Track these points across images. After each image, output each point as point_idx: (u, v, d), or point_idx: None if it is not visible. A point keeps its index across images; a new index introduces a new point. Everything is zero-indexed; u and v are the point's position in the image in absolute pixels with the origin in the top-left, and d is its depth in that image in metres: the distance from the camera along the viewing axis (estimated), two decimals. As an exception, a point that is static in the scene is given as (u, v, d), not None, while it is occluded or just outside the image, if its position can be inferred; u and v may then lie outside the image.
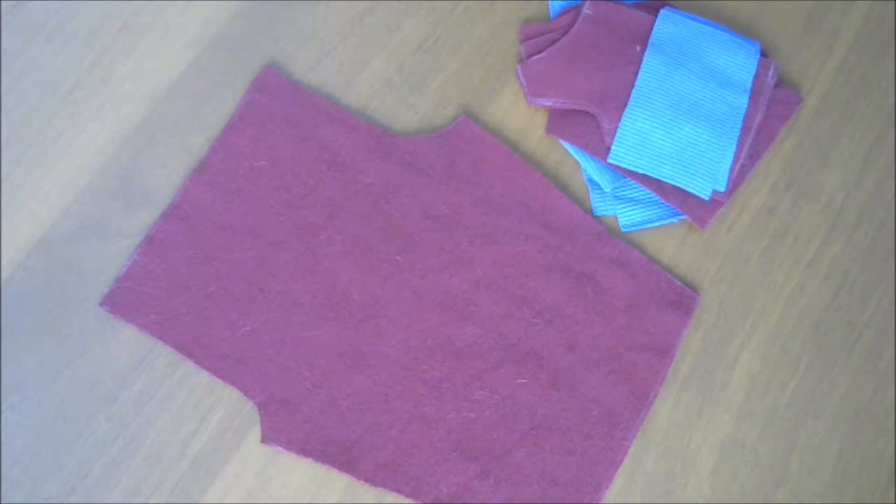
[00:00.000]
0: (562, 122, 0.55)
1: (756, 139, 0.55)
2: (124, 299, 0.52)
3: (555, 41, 0.57)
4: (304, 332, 0.51)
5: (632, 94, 0.54)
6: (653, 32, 0.56)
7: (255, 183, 0.54)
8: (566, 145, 0.56)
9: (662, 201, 0.54)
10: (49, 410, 0.51)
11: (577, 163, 0.56)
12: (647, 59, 0.55)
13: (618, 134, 0.54)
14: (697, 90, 0.54)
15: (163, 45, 0.57)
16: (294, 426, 0.50)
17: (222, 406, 0.51)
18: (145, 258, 0.52)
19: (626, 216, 0.55)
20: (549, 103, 0.55)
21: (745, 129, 0.54)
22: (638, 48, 0.56)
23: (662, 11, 0.56)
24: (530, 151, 0.56)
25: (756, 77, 0.55)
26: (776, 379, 0.53)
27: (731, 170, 0.54)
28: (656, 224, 0.55)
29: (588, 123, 0.55)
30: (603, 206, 0.55)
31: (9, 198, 0.54)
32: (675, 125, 0.54)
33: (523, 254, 0.53)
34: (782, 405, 0.52)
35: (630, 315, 0.52)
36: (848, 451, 0.52)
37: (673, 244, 0.55)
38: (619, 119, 0.54)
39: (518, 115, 0.57)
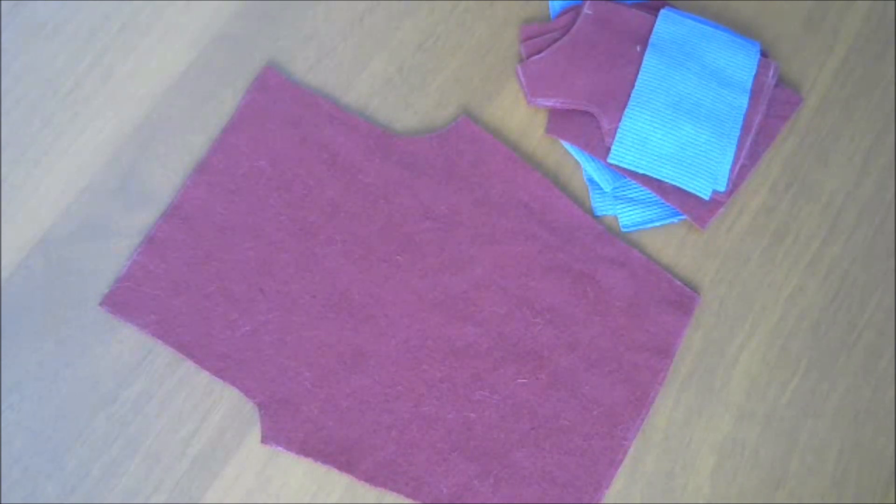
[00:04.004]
0: (562, 122, 0.55)
1: (756, 139, 0.55)
2: (124, 299, 0.52)
3: (555, 41, 0.57)
4: (304, 332, 0.51)
5: (632, 94, 0.54)
6: (653, 32, 0.56)
7: (255, 183, 0.54)
8: (566, 145, 0.56)
9: (662, 201, 0.54)
10: (49, 410, 0.51)
11: (577, 163, 0.56)
12: (648, 59, 0.55)
13: (618, 134, 0.54)
14: (697, 90, 0.54)
15: (163, 45, 0.57)
16: (294, 426, 0.50)
17: (222, 406, 0.51)
18: (145, 258, 0.52)
19: (626, 216, 0.55)
20: (549, 103, 0.55)
21: (745, 128, 0.54)
22: (638, 48, 0.56)
23: (662, 11, 0.56)
24: (530, 151, 0.56)
25: (756, 77, 0.55)
26: (776, 379, 0.53)
27: (732, 170, 0.54)
28: (656, 224, 0.55)
29: (588, 123, 0.55)
30: (603, 206, 0.55)
31: (9, 198, 0.54)
32: (675, 125, 0.54)
33: (523, 254, 0.53)
34: (782, 405, 0.52)
35: (630, 315, 0.52)
36: (848, 451, 0.52)
37: (673, 244, 0.55)
38: (619, 119, 0.54)
39: (518, 115, 0.57)
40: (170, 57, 0.57)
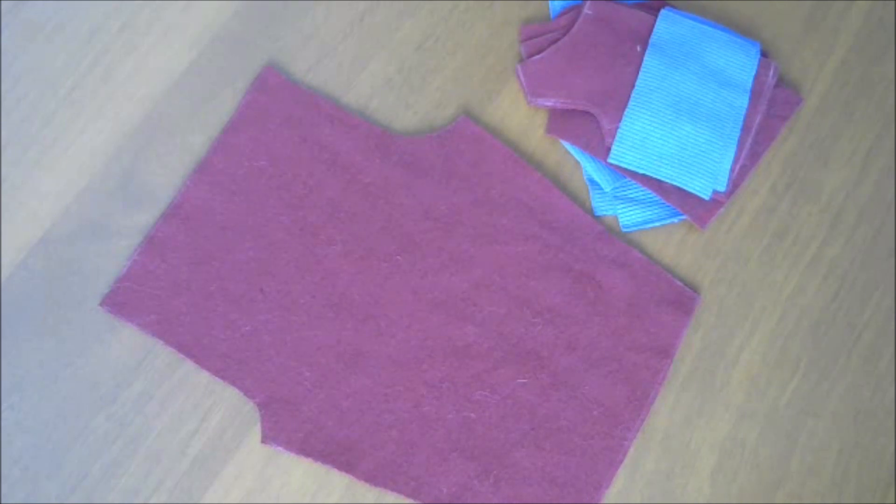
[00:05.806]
0: (562, 122, 0.55)
1: (756, 139, 0.55)
2: (124, 299, 0.52)
3: (555, 41, 0.57)
4: (304, 332, 0.51)
5: (632, 94, 0.54)
6: (653, 32, 0.56)
7: (255, 183, 0.54)
8: (566, 145, 0.56)
9: (662, 201, 0.54)
10: (49, 410, 0.51)
11: (577, 163, 0.56)
12: (648, 59, 0.55)
13: (618, 134, 0.54)
14: (698, 90, 0.54)
15: (163, 45, 0.57)
16: (294, 426, 0.50)
17: (222, 406, 0.51)
18: (145, 258, 0.52)
19: (626, 216, 0.55)
20: (549, 103, 0.55)
21: (745, 129, 0.54)
22: (638, 48, 0.56)
23: (663, 11, 0.56)
24: (530, 151, 0.56)
25: (756, 77, 0.55)
26: (776, 379, 0.53)
27: (732, 170, 0.54)
28: (656, 224, 0.55)
29: (588, 123, 0.55)
30: (603, 206, 0.55)
31: (9, 198, 0.54)
32: (675, 125, 0.54)
33: (523, 254, 0.53)
34: (782, 405, 0.52)
35: (630, 315, 0.52)
36: (848, 451, 0.52)
37: (673, 244, 0.55)
38: (620, 119, 0.54)
39: (518, 115, 0.57)
40: (170, 57, 0.57)
